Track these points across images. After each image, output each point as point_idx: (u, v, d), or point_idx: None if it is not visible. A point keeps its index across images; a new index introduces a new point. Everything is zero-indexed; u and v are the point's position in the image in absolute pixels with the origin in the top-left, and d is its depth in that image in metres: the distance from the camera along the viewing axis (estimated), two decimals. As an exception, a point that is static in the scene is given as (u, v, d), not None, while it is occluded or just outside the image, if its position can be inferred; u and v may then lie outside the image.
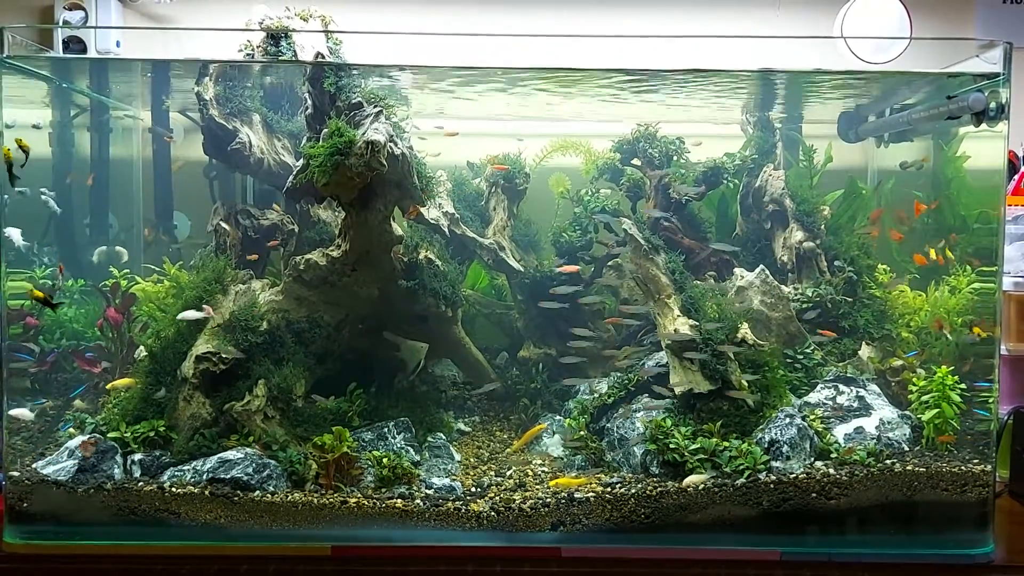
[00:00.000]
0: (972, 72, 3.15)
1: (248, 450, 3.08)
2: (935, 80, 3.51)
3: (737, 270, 3.88)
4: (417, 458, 3.29)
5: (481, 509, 2.94)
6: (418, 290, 3.63)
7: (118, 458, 3.10)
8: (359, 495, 2.99)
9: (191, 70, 3.64)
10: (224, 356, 3.23)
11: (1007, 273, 3.67)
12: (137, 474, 3.08)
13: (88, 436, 3.13)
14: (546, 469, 3.33)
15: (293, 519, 2.92)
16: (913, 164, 4.12)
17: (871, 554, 2.90)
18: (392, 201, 3.41)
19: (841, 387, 3.44)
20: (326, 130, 3.20)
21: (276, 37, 3.32)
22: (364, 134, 3.16)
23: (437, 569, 2.83)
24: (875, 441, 3.19)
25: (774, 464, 3.01)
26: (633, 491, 2.97)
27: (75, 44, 4.04)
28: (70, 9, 4.22)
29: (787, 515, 2.92)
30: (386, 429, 3.34)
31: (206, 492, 2.94)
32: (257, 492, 2.96)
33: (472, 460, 3.46)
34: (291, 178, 3.33)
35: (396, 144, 3.24)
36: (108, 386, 3.54)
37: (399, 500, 2.96)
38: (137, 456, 3.11)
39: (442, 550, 2.90)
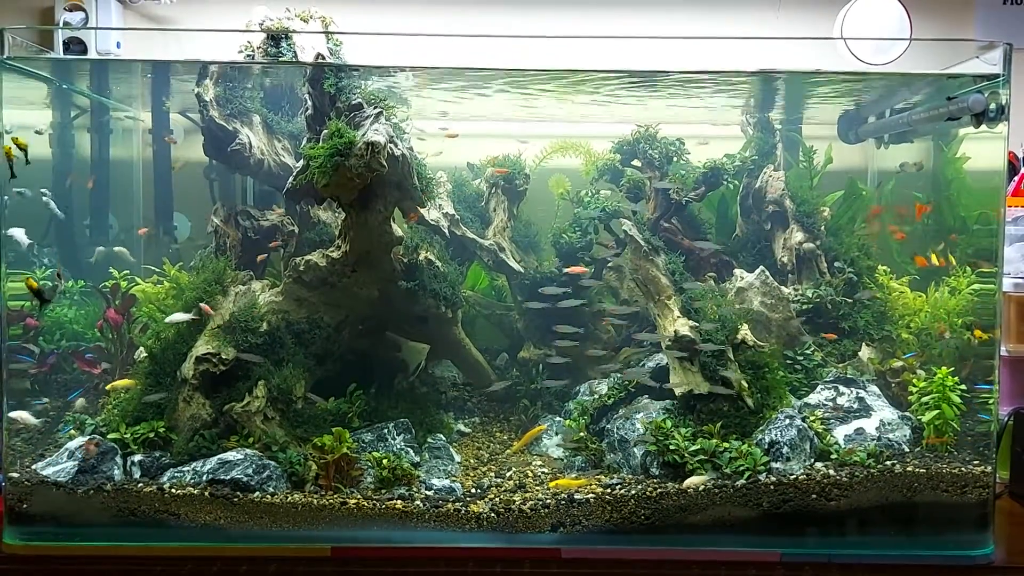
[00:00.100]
0: (972, 73, 3.15)
1: (248, 451, 3.08)
2: (935, 81, 3.51)
3: (737, 271, 3.88)
4: (417, 459, 3.29)
5: (481, 510, 2.94)
6: (418, 291, 3.63)
7: (118, 459, 3.10)
8: (359, 496, 2.99)
9: (191, 71, 3.64)
10: (224, 358, 3.23)
11: (1007, 274, 3.67)
12: (137, 475, 3.08)
13: (91, 438, 3.13)
14: (546, 470, 3.33)
15: (293, 520, 2.92)
16: (914, 165, 4.12)
17: (871, 555, 2.90)
18: (392, 202, 3.41)
19: (841, 388, 3.44)
20: (326, 131, 3.20)
21: (276, 38, 3.32)
22: (364, 135, 3.16)
23: (437, 570, 2.83)
24: (875, 442, 3.18)
25: (774, 465, 3.00)
26: (633, 492, 2.97)
27: (75, 45, 4.04)
28: (70, 10, 4.22)
29: (787, 516, 2.91)
30: (386, 430, 3.34)
31: (206, 493, 2.94)
32: (257, 493, 2.96)
33: (472, 461, 3.45)
34: (291, 179, 3.34)
35: (396, 145, 3.24)
36: (108, 387, 3.54)
37: (399, 501, 2.96)
38: (137, 457, 3.11)
39: (442, 551, 2.90)
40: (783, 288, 3.84)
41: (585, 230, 4.03)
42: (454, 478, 3.23)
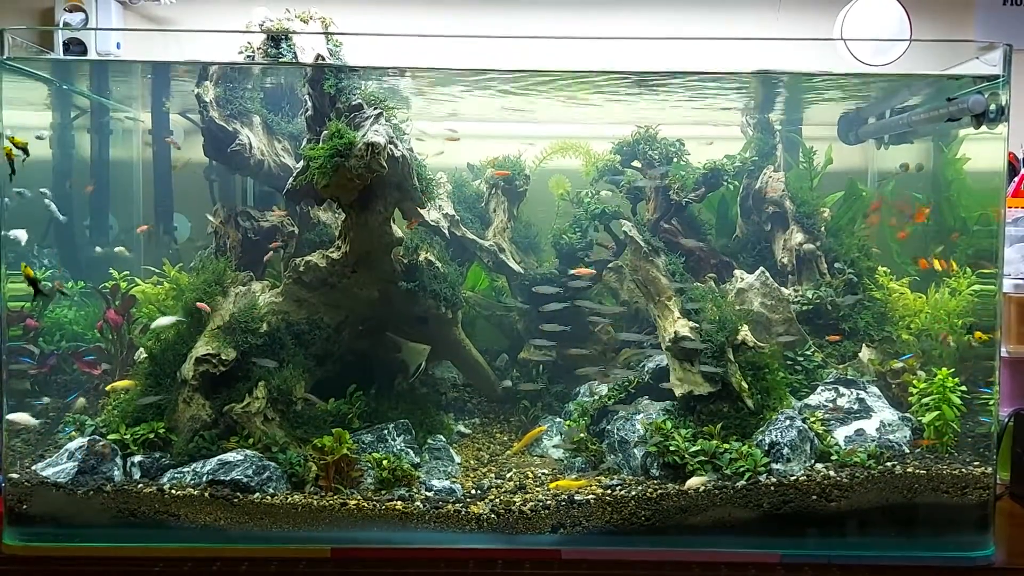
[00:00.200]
0: (972, 74, 3.15)
1: (248, 452, 3.07)
2: (935, 82, 3.51)
3: (737, 272, 3.88)
4: (417, 460, 3.29)
5: (481, 511, 2.93)
6: (418, 292, 3.63)
7: (118, 460, 3.10)
8: (359, 497, 2.99)
9: (191, 72, 3.64)
10: (224, 359, 3.23)
11: (1007, 275, 3.67)
12: (137, 476, 3.08)
13: (92, 439, 3.12)
14: (546, 471, 3.33)
15: (293, 521, 2.92)
16: (914, 167, 4.12)
17: (871, 556, 2.90)
18: (392, 203, 3.41)
19: (841, 389, 3.44)
20: (326, 132, 3.20)
21: (276, 39, 3.32)
22: (364, 136, 3.16)
23: (437, 571, 2.83)
24: (875, 443, 3.18)
25: (774, 466, 3.00)
26: (633, 493, 2.97)
27: (75, 46, 4.04)
28: (70, 11, 4.22)
29: (787, 517, 2.91)
30: (386, 431, 3.34)
31: (206, 494, 2.94)
32: (257, 494, 2.96)
33: (472, 462, 3.45)
34: (291, 180, 3.34)
35: (396, 146, 3.24)
36: (108, 387, 3.54)
37: (399, 502, 2.96)
38: (137, 458, 3.11)
39: (442, 552, 2.89)
40: (783, 289, 3.84)
41: (585, 231, 4.03)
42: (454, 479, 3.23)
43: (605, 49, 3.50)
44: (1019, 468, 3.44)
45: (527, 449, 3.56)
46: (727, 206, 4.40)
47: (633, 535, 2.92)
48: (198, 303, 3.34)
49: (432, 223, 3.88)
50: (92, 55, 4.08)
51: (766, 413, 3.21)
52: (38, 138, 3.95)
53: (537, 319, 3.81)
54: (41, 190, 3.85)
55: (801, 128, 4.45)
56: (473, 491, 3.12)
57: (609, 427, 3.38)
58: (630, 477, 3.15)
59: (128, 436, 3.14)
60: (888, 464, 3.04)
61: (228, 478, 2.97)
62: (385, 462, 3.08)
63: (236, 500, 2.93)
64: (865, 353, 3.70)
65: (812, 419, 3.23)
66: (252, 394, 3.21)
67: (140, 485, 2.99)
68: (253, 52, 3.36)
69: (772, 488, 2.92)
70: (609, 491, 3.01)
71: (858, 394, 3.41)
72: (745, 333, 3.36)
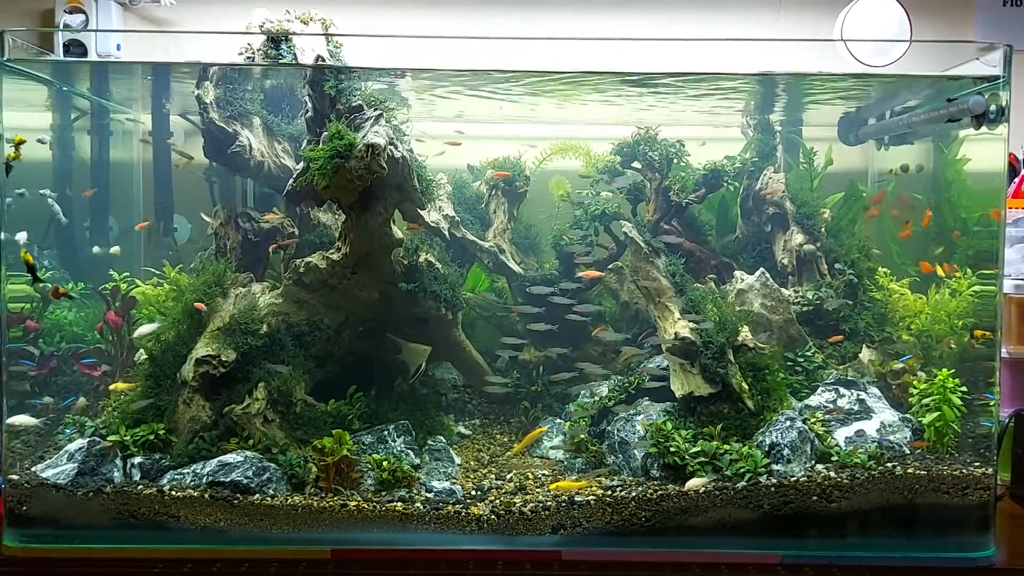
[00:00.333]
0: (972, 75, 3.15)
1: (248, 453, 3.07)
2: (935, 83, 3.51)
3: (737, 273, 3.88)
4: (417, 461, 3.29)
5: (481, 512, 2.93)
6: (418, 293, 3.63)
7: (118, 461, 3.10)
8: (359, 498, 2.98)
9: (191, 73, 3.64)
10: (224, 360, 3.23)
11: (1007, 276, 3.67)
12: (137, 477, 3.08)
13: (91, 440, 3.12)
14: (547, 472, 3.33)
15: (293, 522, 2.92)
16: (914, 168, 4.12)
17: (872, 557, 2.90)
18: (392, 204, 3.41)
19: (842, 390, 3.44)
20: (326, 133, 3.20)
21: (276, 40, 3.32)
22: (364, 137, 3.16)
23: (437, 572, 2.82)
24: (876, 444, 3.18)
25: (775, 467, 3.00)
26: (634, 494, 2.97)
27: (76, 48, 4.04)
28: (70, 12, 4.22)
29: (788, 518, 2.91)
30: (386, 432, 3.34)
31: (206, 495, 2.94)
32: (257, 495, 2.96)
33: (472, 463, 3.45)
34: (291, 181, 3.34)
35: (396, 147, 3.24)
36: (111, 387, 3.54)
37: (399, 503, 2.96)
38: (137, 459, 3.11)
39: (442, 553, 2.89)
40: (783, 290, 3.84)
41: (585, 232, 4.03)
42: (454, 480, 3.23)
43: (605, 50, 3.50)
44: (1020, 469, 3.44)
45: (528, 450, 3.56)
46: (727, 207, 4.40)
47: (633, 536, 2.92)
48: (196, 304, 3.33)
49: (432, 224, 3.88)
50: (92, 56, 4.08)
51: (766, 414, 3.21)
52: (40, 142, 3.95)
53: (527, 319, 3.82)
54: (41, 192, 3.85)
55: (801, 129, 4.45)
56: (473, 492, 3.11)
57: (609, 428, 3.38)
58: (630, 478, 3.15)
59: (128, 437, 3.14)
60: (889, 465, 3.04)
61: (228, 479, 2.97)
62: (385, 463, 3.08)
63: (236, 501, 2.93)
64: (865, 354, 3.70)
65: (812, 420, 3.23)
66: (252, 395, 3.21)
67: (140, 486, 2.99)
68: (253, 53, 3.36)
69: (772, 489, 2.92)
70: (609, 492, 3.01)
71: (858, 395, 3.41)
72: (745, 334, 3.36)
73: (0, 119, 3.04)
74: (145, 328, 3.36)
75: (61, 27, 4.18)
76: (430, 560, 2.88)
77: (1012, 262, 3.77)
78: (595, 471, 3.22)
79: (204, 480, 2.99)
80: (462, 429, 3.80)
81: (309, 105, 3.43)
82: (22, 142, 3.12)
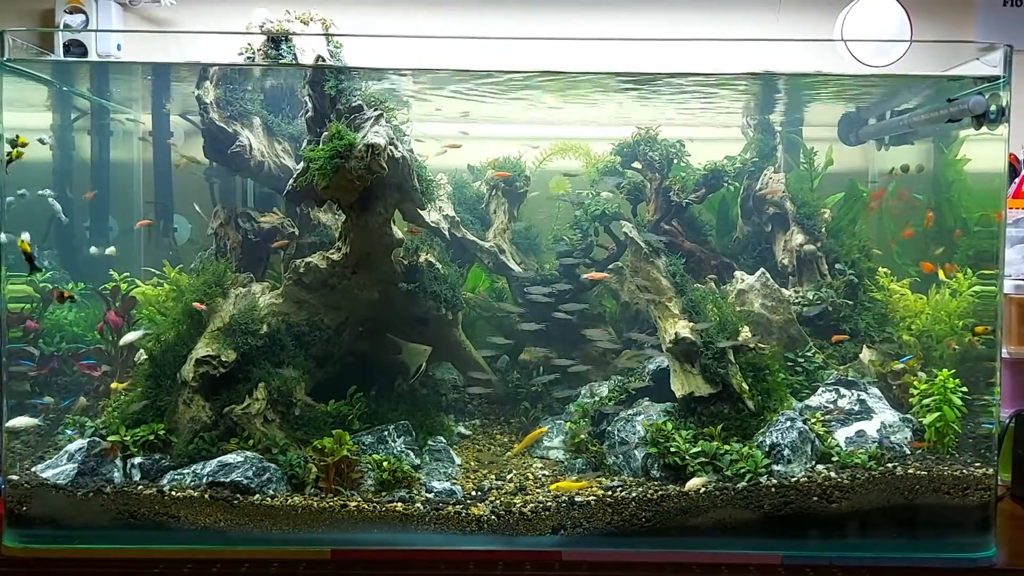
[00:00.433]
0: (972, 75, 3.15)
1: (248, 453, 3.07)
2: (935, 83, 3.51)
3: (738, 273, 3.87)
4: (417, 462, 3.28)
5: (481, 513, 2.93)
6: (418, 293, 3.62)
7: (118, 462, 3.09)
8: (359, 499, 2.98)
9: (192, 73, 3.64)
10: (224, 360, 3.22)
11: (1008, 276, 3.66)
12: (137, 478, 3.08)
13: (92, 441, 3.12)
14: (547, 473, 3.32)
15: (293, 523, 2.92)
16: (915, 168, 4.12)
17: (872, 558, 2.90)
18: (392, 204, 3.41)
19: (842, 390, 3.44)
20: (326, 133, 3.20)
21: (276, 40, 3.32)
22: (364, 137, 3.16)
23: (437, 573, 2.82)
24: (876, 444, 3.18)
25: (775, 467, 3.00)
26: (634, 495, 2.97)
27: (76, 48, 4.04)
28: (70, 12, 4.22)
29: (788, 519, 2.91)
30: (386, 432, 3.34)
31: (206, 496, 2.94)
32: (257, 496, 2.96)
33: (472, 464, 3.45)
34: (291, 181, 3.33)
35: (396, 147, 3.24)
36: (112, 385, 3.54)
37: (399, 504, 2.96)
38: (137, 459, 3.10)
39: (442, 554, 2.89)
40: (784, 290, 3.84)
41: (585, 232, 4.03)
42: (454, 481, 3.22)
43: (605, 50, 3.50)
44: (1020, 469, 3.44)
45: (528, 450, 3.55)
46: (728, 207, 4.39)
47: (634, 536, 2.92)
48: (195, 304, 3.33)
49: (432, 224, 3.87)
50: (92, 57, 4.08)
51: (767, 414, 3.21)
52: (40, 142, 3.95)
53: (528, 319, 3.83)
54: (40, 192, 3.84)
55: (801, 129, 4.45)
56: (474, 492, 3.11)
57: (609, 428, 3.38)
58: (631, 479, 3.14)
59: (128, 437, 3.14)
60: (889, 465, 3.03)
61: (228, 480, 2.97)
62: (385, 463, 3.08)
63: (236, 502, 2.92)
64: (866, 354, 3.70)
65: (813, 420, 3.23)
66: (252, 396, 3.21)
67: (140, 487, 2.99)
68: (253, 53, 3.36)
69: (773, 489, 2.92)
70: (610, 492, 3.01)
71: (859, 395, 3.40)
72: (746, 334, 3.36)
73: (0, 119, 3.04)
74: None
75: (61, 27, 4.18)
76: (430, 560, 2.88)
77: (1012, 262, 3.77)
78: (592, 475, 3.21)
79: (204, 480, 2.99)
80: (462, 429, 3.80)
81: (309, 105, 3.43)
82: (24, 144, 3.12)
